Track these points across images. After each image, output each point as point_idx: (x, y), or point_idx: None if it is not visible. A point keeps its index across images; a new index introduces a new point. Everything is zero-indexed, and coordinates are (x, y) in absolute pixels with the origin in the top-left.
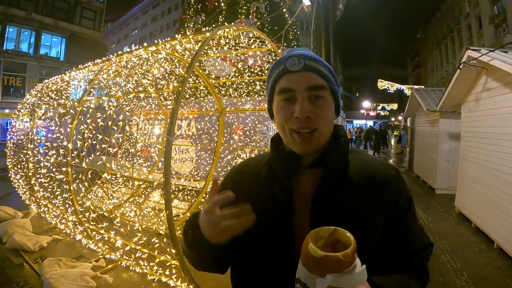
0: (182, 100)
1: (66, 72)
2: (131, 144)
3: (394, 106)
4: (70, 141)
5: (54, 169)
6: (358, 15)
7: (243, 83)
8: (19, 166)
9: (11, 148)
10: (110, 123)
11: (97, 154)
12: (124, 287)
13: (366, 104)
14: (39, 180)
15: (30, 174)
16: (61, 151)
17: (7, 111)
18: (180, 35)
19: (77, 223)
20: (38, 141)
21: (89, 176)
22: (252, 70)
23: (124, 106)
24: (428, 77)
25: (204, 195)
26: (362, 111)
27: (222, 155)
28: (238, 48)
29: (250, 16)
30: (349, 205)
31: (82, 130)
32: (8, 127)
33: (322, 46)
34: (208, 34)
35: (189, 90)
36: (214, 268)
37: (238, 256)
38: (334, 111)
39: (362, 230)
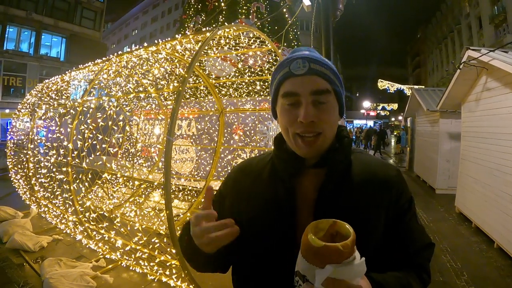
0: (182, 100)
1: (66, 72)
2: (131, 144)
3: (394, 106)
4: (71, 141)
5: (54, 169)
6: (358, 15)
7: (243, 83)
8: (19, 166)
9: (12, 148)
10: (110, 123)
11: (98, 154)
12: (124, 287)
13: (366, 104)
14: (40, 180)
15: (30, 174)
16: (61, 151)
17: (7, 111)
18: (180, 35)
19: (77, 223)
20: (39, 141)
21: (90, 176)
22: (252, 70)
23: (125, 106)
24: (428, 77)
25: (204, 195)
26: (362, 111)
27: (222, 155)
28: (238, 48)
29: (250, 16)
30: (351, 205)
31: (82, 130)
32: (9, 127)
33: (322, 46)
34: (208, 34)
35: (189, 90)
36: (213, 270)
37: (239, 256)
38: (338, 113)
39: (364, 230)
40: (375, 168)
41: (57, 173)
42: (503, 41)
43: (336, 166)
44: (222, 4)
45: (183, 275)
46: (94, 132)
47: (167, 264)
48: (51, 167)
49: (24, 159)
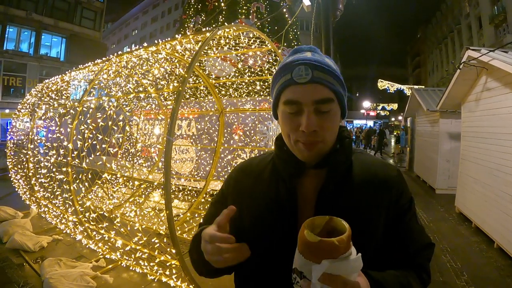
0: (182, 100)
1: (66, 72)
2: (131, 144)
3: (394, 106)
4: (70, 141)
5: (54, 169)
6: (358, 15)
7: (243, 83)
8: (19, 166)
9: (11, 148)
10: (110, 123)
11: (97, 154)
12: (124, 287)
13: (366, 104)
14: (39, 180)
15: (30, 174)
16: (61, 151)
17: (7, 111)
18: (180, 35)
19: (77, 223)
20: (38, 141)
21: (89, 176)
22: (252, 70)
23: (124, 106)
24: (428, 77)
25: (204, 195)
26: (362, 111)
27: (222, 155)
28: (238, 48)
29: (250, 16)
30: (351, 205)
31: (82, 130)
32: (8, 127)
33: (322, 46)
34: (208, 34)
35: (189, 90)
36: (221, 275)
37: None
38: (340, 116)
39: (364, 230)
40: (376, 168)
41: (57, 173)
42: (503, 41)
43: (337, 167)
44: (222, 4)
45: (183, 275)
46: (94, 132)
47: (167, 264)
48: (51, 167)
49: (24, 159)
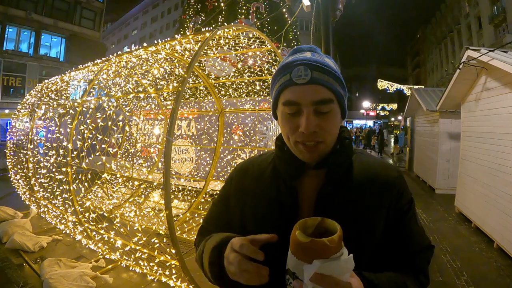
0: (182, 100)
1: (66, 72)
2: (131, 144)
3: (394, 106)
4: (70, 141)
5: (54, 169)
6: (358, 15)
7: (243, 83)
8: (19, 166)
9: (11, 149)
10: (110, 123)
11: (97, 154)
12: (124, 287)
13: (366, 104)
14: (39, 180)
15: (30, 174)
16: (61, 151)
17: (7, 111)
18: (179, 35)
19: (77, 223)
20: (38, 141)
21: (89, 176)
22: (252, 70)
23: (124, 106)
24: (428, 77)
25: (204, 195)
26: (362, 111)
27: (222, 155)
28: (237, 48)
29: (249, 16)
30: (351, 205)
31: (82, 130)
32: (8, 128)
33: (322, 46)
34: (207, 34)
35: (189, 90)
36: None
37: None
38: (340, 116)
39: (364, 230)
40: (376, 169)
41: (56, 173)
42: (502, 41)
43: (336, 167)
44: (222, 4)
45: (182, 275)
46: (94, 132)
47: (167, 264)
48: (51, 167)
49: (24, 159)
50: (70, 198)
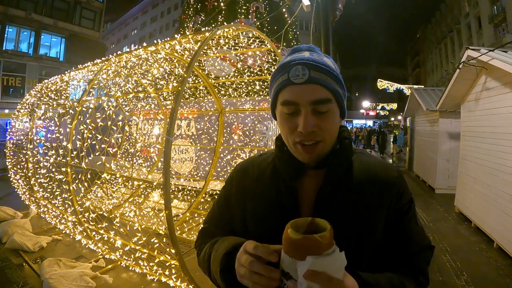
0: (182, 100)
1: (66, 72)
2: (131, 144)
3: (394, 106)
4: (70, 141)
5: (53, 169)
6: (358, 15)
7: (243, 83)
8: (18, 166)
9: (11, 148)
10: (109, 123)
11: (97, 154)
12: (124, 287)
13: (366, 104)
14: (39, 180)
15: (29, 174)
16: (60, 151)
17: (6, 111)
18: (179, 35)
19: (76, 223)
20: (38, 141)
21: (89, 176)
22: (252, 70)
23: (124, 106)
24: (428, 77)
25: (203, 195)
26: (362, 111)
27: (221, 155)
28: (237, 48)
29: (249, 16)
30: (351, 206)
31: (82, 130)
32: (8, 127)
33: (321, 46)
34: (207, 34)
35: (188, 90)
36: None
37: None
38: (340, 116)
39: (364, 230)
40: (376, 169)
41: (56, 173)
42: (502, 41)
43: (336, 167)
44: (222, 4)
45: (182, 275)
46: (93, 132)
47: (167, 264)
48: (50, 167)
49: (24, 159)
50: (70, 198)
